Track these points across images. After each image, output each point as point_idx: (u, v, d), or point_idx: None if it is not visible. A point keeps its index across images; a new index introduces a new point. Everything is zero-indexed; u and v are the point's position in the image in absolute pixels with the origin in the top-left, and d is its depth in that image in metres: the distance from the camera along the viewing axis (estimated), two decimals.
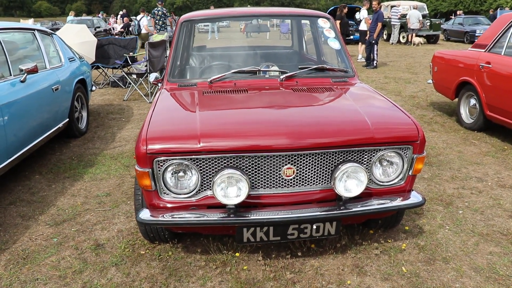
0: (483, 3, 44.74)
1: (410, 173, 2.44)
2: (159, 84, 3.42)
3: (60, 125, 4.62)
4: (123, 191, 3.69)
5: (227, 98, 2.77)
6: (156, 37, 8.83)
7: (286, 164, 2.25)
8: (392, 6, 18.22)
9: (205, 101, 2.70)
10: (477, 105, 5.14)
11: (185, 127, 2.32)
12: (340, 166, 2.24)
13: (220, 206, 2.31)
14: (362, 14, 11.88)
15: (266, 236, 2.32)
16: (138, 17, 13.04)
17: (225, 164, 2.23)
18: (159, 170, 2.23)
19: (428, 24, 18.09)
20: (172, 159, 2.21)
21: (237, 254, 2.63)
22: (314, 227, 2.32)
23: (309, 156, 2.26)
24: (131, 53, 8.59)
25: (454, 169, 4.07)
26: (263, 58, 3.77)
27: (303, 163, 2.27)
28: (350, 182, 2.28)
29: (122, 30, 21.83)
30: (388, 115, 2.52)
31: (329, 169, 2.31)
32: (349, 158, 2.31)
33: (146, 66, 7.53)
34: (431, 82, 6.27)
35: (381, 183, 2.43)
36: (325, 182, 2.34)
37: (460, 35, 19.59)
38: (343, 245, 2.73)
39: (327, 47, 4.31)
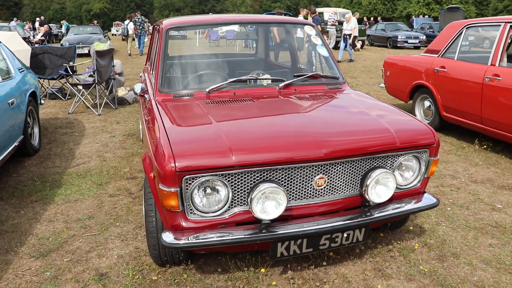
0: (394, 10, 48.60)
1: (426, 176, 2.53)
2: (146, 96, 3.21)
3: (16, 143, 4.15)
4: (106, 212, 3.40)
5: (238, 109, 2.67)
6: (98, 46, 8.30)
7: (318, 174, 2.22)
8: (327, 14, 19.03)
9: (216, 112, 2.57)
10: (432, 106, 5.51)
11: (212, 142, 2.18)
12: (371, 173, 2.26)
13: (249, 222, 2.21)
14: None
15: (299, 249, 2.27)
16: (126, 22, 17.21)
17: (259, 178, 2.14)
18: (187, 189, 2.08)
19: None
20: (202, 176, 2.07)
21: (262, 270, 2.53)
22: (345, 235, 2.31)
23: (340, 165, 2.25)
24: (71, 63, 8.01)
25: None
26: (249, 66, 3.71)
27: (334, 172, 2.25)
28: (379, 187, 2.31)
29: (43, 38, 20.30)
30: (403, 122, 2.57)
31: (357, 176, 2.32)
32: (376, 164, 2.34)
33: (92, 76, 7.05)
34: (384, 86, 6.60)
35: (401, 187, 2.49)
36: (352, 190, 2.34)
37: (383, 40, 20.98)
38: (359, 250, 2.75)
39: (302, 55, 4.38)
